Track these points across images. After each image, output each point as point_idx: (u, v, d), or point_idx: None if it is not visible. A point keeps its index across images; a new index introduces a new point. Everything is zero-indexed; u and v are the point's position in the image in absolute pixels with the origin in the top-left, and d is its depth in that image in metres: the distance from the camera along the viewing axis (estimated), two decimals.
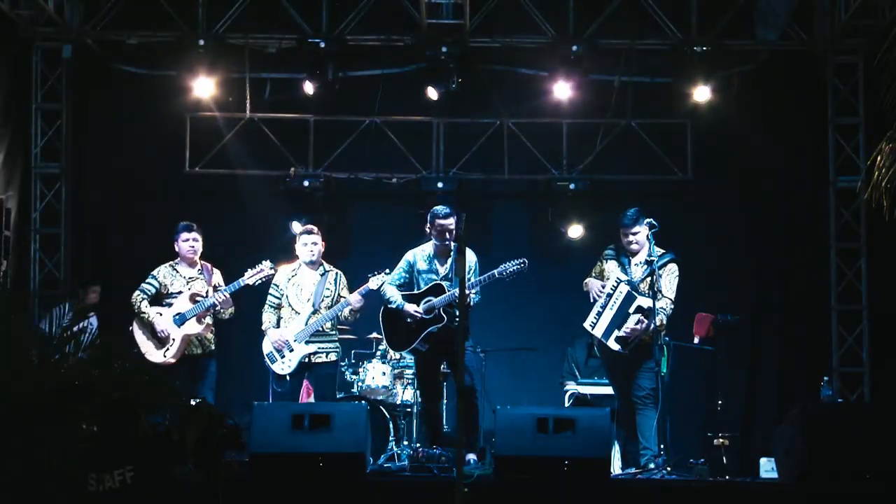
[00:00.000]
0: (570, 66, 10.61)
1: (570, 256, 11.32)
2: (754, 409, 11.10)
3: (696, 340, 10.02)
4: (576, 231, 11.32)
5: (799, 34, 10.78)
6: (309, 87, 10.76)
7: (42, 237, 10.85)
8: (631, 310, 8.77)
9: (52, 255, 10.82)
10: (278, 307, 9.57)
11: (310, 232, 9.68)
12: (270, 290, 9.57)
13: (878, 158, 8.89)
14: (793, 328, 11.22)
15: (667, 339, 8.90)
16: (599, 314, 8.95)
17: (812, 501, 8.02)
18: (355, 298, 9.41)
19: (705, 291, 10.38)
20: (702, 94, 10.64)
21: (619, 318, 8.83)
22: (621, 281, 8.87)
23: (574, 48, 10.57)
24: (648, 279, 8.85)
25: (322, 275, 9.60)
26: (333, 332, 9.61)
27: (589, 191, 11.32)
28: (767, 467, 8.95)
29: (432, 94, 10.86)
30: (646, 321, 8.74)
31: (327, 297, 9.56)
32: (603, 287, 8.97)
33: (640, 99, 11.22)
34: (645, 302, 8.76)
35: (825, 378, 9.89)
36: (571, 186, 11.29)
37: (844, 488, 7.90)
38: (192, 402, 8.06)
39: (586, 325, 9.10)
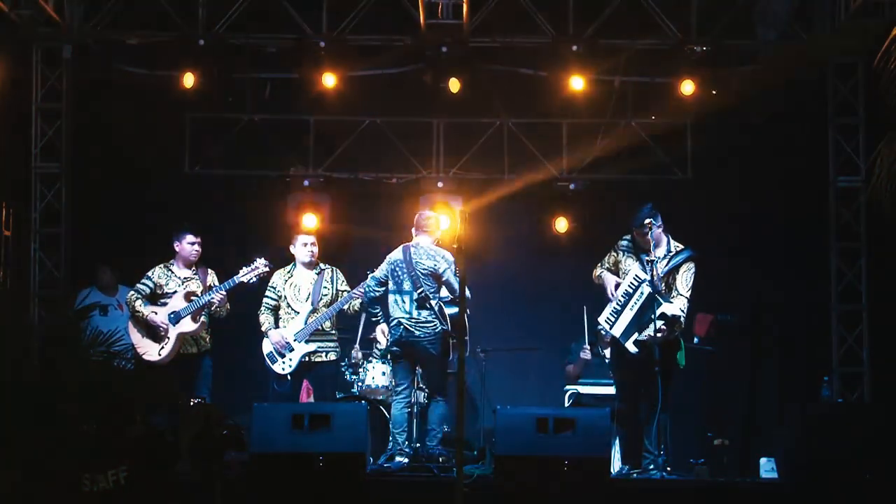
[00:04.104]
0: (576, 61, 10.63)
1: (569, 256, 11.32)
2: (754, 409, 11.09)
3: (695, 340, 10.02)
4: (562, 225, 11.31)
5: (799, 34, 10.77)
6: (330, 80, 10.68)
7: (42, 237, 10.84)
8: (654, 315, 8.73)
9: (52, 255, 10.81)
10: (275, 308, 9.61)
11: (308, 233, 9.75)
12: (266, 293, 9.62)
13: (878, 159, 8.90)
14: (793, 328, 11.22)
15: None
16: (618, 312, 8.87)
17: (812, 501, 8.04)
18: (358, 293, 9.50)
19: (705, 291, 10.33)
20: (695, 86, 10.62)
21: (640, 321, 8.75)
22: (642, 281, 8.79)
23: (574, 48, 10.57)
24: (667, 277, 8.84)
25: (318, 273, 9.66)
26: (333, 332, 9.64)
27: (589, 190, 11.32)
28: (767, 467, 8.96)
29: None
30: (667, 329, 8.71)
31: (325, 294, 9.61)
32: (618, 285, 8.92)
33: (640, 99, 11.22)
34: (669, 309, 8.70)
35: (825, 378, 9.89)
36: (571, 186, 11.29)
37: (844, 488, 7.91)
38: (192, 402, 8.09)
39: (601, 320, 9.07)
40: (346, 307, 9.57)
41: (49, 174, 10.86)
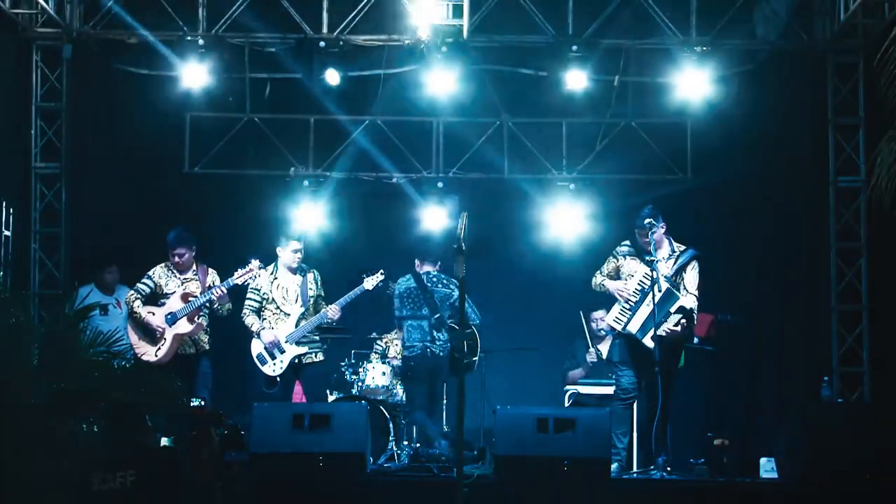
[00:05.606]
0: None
1: (569, 257, 11.31)
2: (754, 409, 11.09)
3: (695, 340, 10.01)
4: (561, 225, 11.32)
5: (799, 34, 10.77)
6: (330, 79, 10.67)
7: (42, 237, 10.84)
8: (672, 309, 8.73)
9: (52, 255, 10.82)
10: (259, 311, 9.63)
11: (298, 239, 9.79)
12: (250, 295, 9.65)
13: (878, 158, 8.90)
14: (793, 328, 11.21)
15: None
16: (634, 310, 8.86)
17: (812, 501, 8.03)
18: (333, 310, 9.56)
19: (705, 291, 10.35)
20: (696, 86, 10.59)
21: (659, 316, 8.72)
22: (657, 279, 8.78)
23: (574, 48, 10.57)
24: (674, 277, 8.84)
25: (302, 275, 9.71)
26: (317, 334, 9.74)
27: (589, 191, 11.31)
28: (767, 467, 8.95)
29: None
30: (685, 322, 8.74)
31: (311, 295, 9.70)
32: (626, 286, 8.90)
33: (640, 99, 11.22)
34: (686, 302, 8.74)
35: (825, 378, 9.89)
36: (571, 186, 11.29)
37: (844, 488, 7.90)
38: (192, 402, 8.09)
39: (609, 320, 9.06)
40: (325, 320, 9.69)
41: (49, 174, 10.86)
